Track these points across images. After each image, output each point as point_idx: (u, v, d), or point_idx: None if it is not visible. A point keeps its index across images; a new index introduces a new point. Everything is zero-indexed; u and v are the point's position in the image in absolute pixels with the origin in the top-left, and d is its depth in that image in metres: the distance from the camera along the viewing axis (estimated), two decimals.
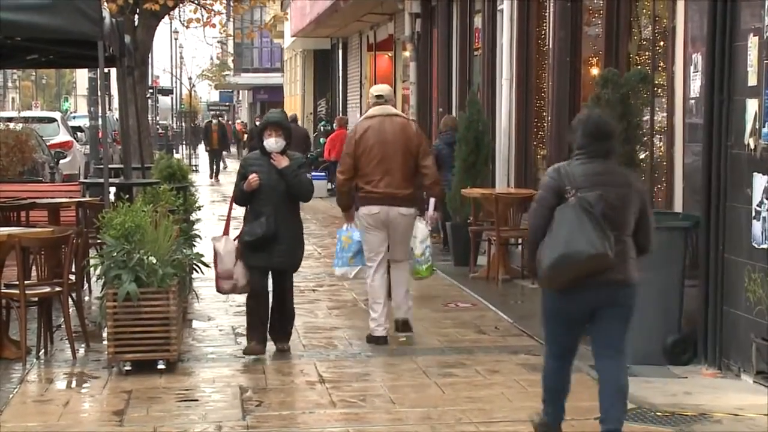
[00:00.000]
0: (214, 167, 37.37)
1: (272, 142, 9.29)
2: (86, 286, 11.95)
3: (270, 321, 9.50)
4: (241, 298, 12.36)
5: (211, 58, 79.59)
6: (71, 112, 58.78)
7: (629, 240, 6.39)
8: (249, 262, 9.35)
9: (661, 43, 10.47)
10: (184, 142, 56.69)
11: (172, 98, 68.41)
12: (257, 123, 31.87)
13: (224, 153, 40.88)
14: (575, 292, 6.33)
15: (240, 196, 9.42)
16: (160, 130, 53.98)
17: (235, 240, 9.44)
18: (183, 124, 62.47)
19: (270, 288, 9.57)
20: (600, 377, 6.56)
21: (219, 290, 9.60)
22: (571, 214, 6.20)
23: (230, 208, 9.71)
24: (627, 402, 6.58)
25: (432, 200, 10.38)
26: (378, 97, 10.02)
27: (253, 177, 9.23)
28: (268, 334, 9.48)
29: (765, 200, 7.99)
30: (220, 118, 45.40)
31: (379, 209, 9.74)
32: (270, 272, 9.48)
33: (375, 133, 9.72)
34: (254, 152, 9.66)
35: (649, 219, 6.48)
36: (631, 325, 6.54)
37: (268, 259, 9.30)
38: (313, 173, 28.16)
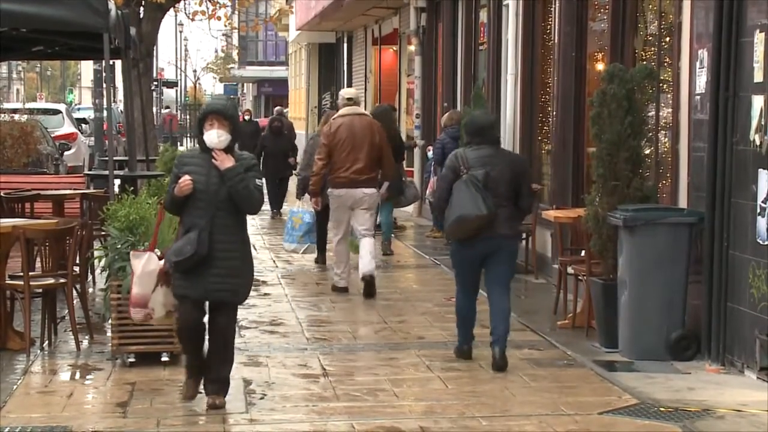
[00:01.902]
0: None
1: (213, 136, 7.34)
2: (90, 277, 11.97)
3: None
4: None
5: (216, 51, 79.67)
6: (76, 104, 58.80)
7: (510, 205, 8.65)
8: (178, 291, 7.44)
9: (667, 39, 10.46)
10: (189, 135, 56.70)
11: (176, 91, 68.45)
12: (245, 118, 31.46)
13: None
14: (471, 243, 8.67)
15: (170, 203, 7.48)
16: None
17: (161, 259, 7.60)
18: (188, 116, 62.48)
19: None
20: (491, 305, 8.86)
21: (131, 316, 7.81)
22: (463, 187, 8.52)
23: (159, 218, 7.95)
24: (510, 321, 8.88)
25: (386, 183, 12.29)
26: (349, 99, 12.19)
27: (184, 179, 7.30)
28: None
29: None
30: None
31: (345, 191, 11.82)
32: (206, 304, 7.56)
33: (346, 129, 11.82)
34: (191, 149, 7.91)
35: (526, 188, 8.81)
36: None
37: (202, 287, 7.34)
38: None
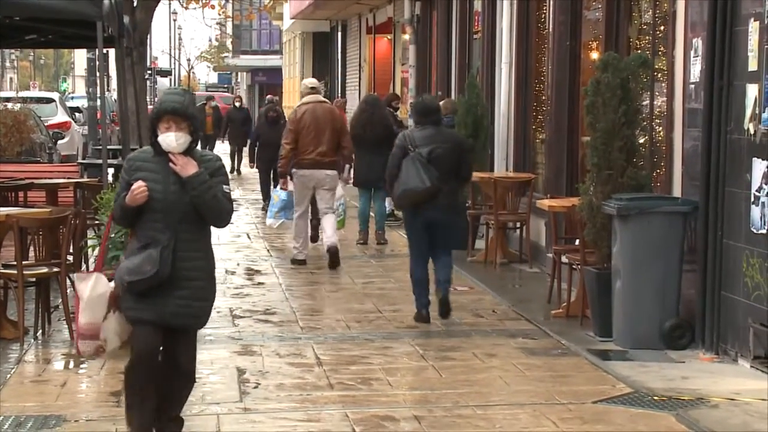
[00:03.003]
0: None
1: (171, 140, 6.17)
2: (84, 266, 11.94)
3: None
4: (240, 279, 12.41)
5: (210, 40, 79.50)
6: (69, 93, 58.69)
7: (452, 178, 9.86)
8: (132, 314, 6.28)
9: (662, 28, 10.44)
10: None
11: (170, 80, 68.33)
12: (236, 104, 30.99)
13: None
14: (419, 212, 9.87)
15: (121, 214, 6.31)
16: None
17: (111, 280, 6.43)
18: None
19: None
20: (435, 264, 10.03)
21: (78, 351, 6.59)
22: (410, 164, 9.75)
23: (107, 231, 7.03)
24: (451, 276, 10.18)
25: (347, 166, 13.81)
26: (312, 88, 13.43)
27: (138, 186, 6.15)
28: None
29: (764, 185, 7.98)
30: (211, 101, 43.29)
31: (310, 172, 13.00)
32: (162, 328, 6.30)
33: (310, 115, 12.97)
34: (143, 150, 6.55)
35: (466, 161, 10.13)
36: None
37: (160, 309, 6.20)
38: None
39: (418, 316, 10.01)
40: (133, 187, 6.17)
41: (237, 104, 30.54)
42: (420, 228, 9.95)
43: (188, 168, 6.19)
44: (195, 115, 6.32)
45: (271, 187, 20.25)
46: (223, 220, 6.35)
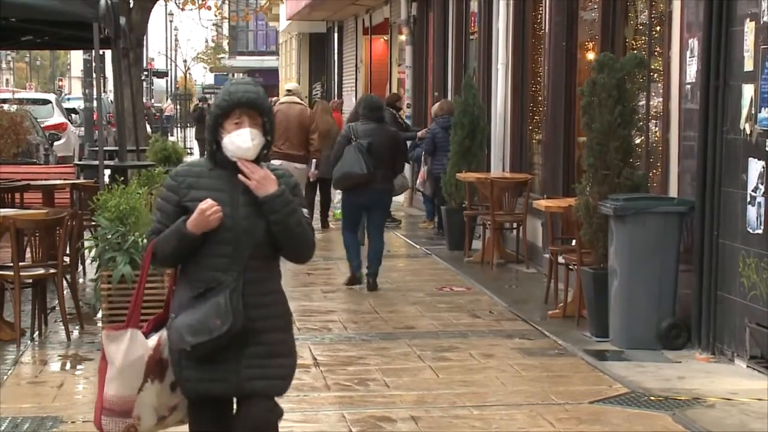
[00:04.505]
0: None
1: (246, 138, 4.66)
2: (81, 268, 11.95)
3: None
4: None
5: (206, 41, 79.54)
6: (65, 94, 58.64)
7: (388, 167, 11.53)
8: (194, 388, 4.73)
9: (658, 28, 10.46)
10: (179, 125, 56.60)
11: (167, 81, 68.30)
12: (201, 104, 30.28)
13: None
14: (356, 194, 11.52)
15: (176, 248, 4.67)
16: (155, 113, 53.82)
17: (153, 335, 4.80)
18: (178, 106, 62.39)
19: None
20: (369, 243, 11.77)
21: (99, 428, 4.91)
22: (352, 151, 11.31)
23: (144, 271, 4.87)
24: (382, 257, 11.77)
25: (314, 161, 15.67)
26: (288, 91, 15.80)
27: (210, 205, 4.58)
28: None
29: (760, 185, 7.99)
30: (205, 102, 42.46)
31: (280, 163, 13.39)
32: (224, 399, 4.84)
33: (283, 114, 14.82)
34: (194, 162, 4.92)
35: (400, 154, 11.99)
36: (383, 218, 12.25)
37: (232, 378, 4.70)
38: None
39: (352, 278, 11.72)
40: (201, 206, 4.55)
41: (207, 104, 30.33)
42: (355, 207, 11.69)
43: (267, 185, 4.65)
44: (272, 111, 4.83)
45: None
46: (308, 254, 4.91)
